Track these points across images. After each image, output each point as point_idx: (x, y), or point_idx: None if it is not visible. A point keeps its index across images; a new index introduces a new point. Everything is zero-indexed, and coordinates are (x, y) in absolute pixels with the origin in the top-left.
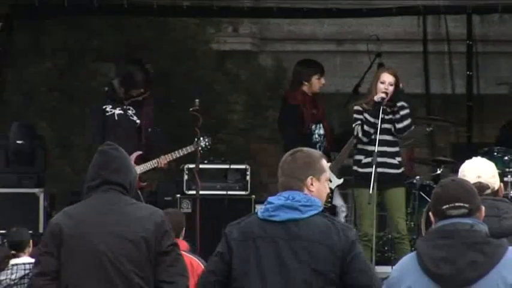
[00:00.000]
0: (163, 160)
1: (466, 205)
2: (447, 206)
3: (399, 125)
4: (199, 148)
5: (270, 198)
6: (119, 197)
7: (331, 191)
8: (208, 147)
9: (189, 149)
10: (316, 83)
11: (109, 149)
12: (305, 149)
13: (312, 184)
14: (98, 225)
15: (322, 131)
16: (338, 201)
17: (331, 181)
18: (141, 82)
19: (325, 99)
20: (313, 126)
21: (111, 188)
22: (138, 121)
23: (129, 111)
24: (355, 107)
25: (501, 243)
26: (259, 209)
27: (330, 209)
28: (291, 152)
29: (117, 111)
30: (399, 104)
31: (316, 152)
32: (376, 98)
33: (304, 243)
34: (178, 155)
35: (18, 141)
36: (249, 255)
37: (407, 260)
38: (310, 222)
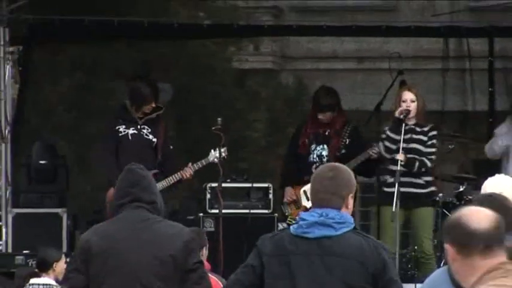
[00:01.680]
0: (187, 172)
1: None
2: None
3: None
4: (220, 157)
5: (303, 215)
6: (148, 214)
7: None
8: (225, 157)
9: (210, 159)
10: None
11: (136, 168)
12: (340, 165)
13: (349, 201)
14: (129, 242)
15: (324, 153)
16: None
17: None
18: (149, 96)
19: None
20: (313, 146)
21: (140, 206)
22: (154, 139)
23: (144, 130)
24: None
25: None
26: (292, 225)
27: None
28: (329, 167)
29: (131, 131)
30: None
31: (349, 168)
32: (397, 113)
33: (337, 259)
34: (201, 165)
35: (41, 161)
36: (282, 271)
37: (439, 273)
38: (343, 238)
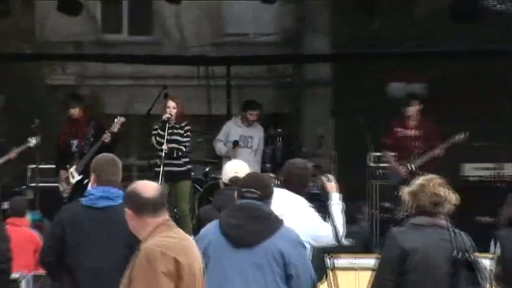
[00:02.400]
0: (12, 155)
1: (258, 191)
2: (245, 189)
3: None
4: (35, 143)
5: (91, 190)
6: None
7: None
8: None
9: (30, 144)
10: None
11: None
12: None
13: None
14: None
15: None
16: None
17: None
18: None
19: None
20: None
21: None
22: None
23: None
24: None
25: (278, 219)
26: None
27: None
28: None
29: None
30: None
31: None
32: (164, 117)
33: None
34: (20, 150)
35: None
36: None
37: (212, 224)
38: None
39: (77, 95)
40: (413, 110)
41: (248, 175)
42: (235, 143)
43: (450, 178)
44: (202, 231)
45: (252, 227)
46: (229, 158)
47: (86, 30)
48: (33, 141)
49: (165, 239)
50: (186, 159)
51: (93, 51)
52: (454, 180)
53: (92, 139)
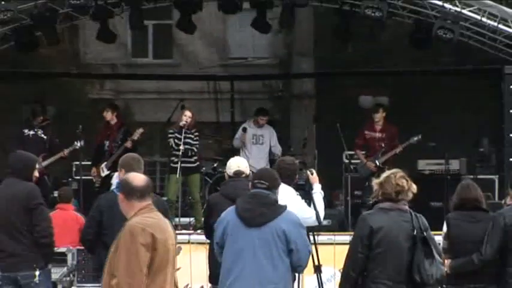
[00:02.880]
0: (64, 154)
1: (266, 183)
2: (257, 181)
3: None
4: (78, 147)
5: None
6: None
7: None
8: (82, 146)
9: (76, 146)
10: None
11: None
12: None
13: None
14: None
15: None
16: None
17: None
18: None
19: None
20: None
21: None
22: (45, 137)
23: (39, 132)
24: (170, 130)
25: (283, 205)
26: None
27: None
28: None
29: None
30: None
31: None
32: (181, 123)
33: None
34: (69, 150)
35: None
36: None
37: (230, 209)
38: None
39: (112, 103)
40: (379, 116)
41: (260, 170)
42: (244, 130)
43: (408, 171)
44: (223, 214)
45: (261, 210)
46: (243, 143)
47: (119, 55)
48: (78, 144)
49: (146, 219)
50: (196, 157)
51: (125, 72)
52: (411, 173)
53: (119, 142)
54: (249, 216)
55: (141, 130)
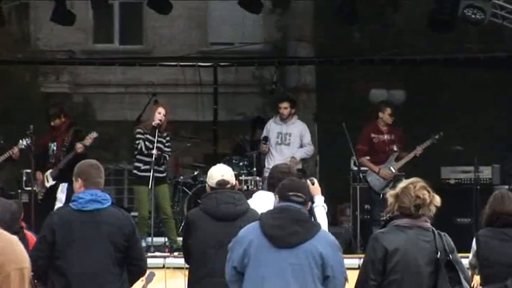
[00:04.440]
0: (15, 151)
1: (304, 196)
2: (292, 193)
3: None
4: (23, 147)
5: (79, 195)
6: None
7: None
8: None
9: (16, 148)
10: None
11: None
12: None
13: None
14: None
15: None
16: None
17: None
18: None
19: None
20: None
21: None
22: None
23: None
24: (137, 130)
25: (317, 223)
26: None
27: None
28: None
29: None
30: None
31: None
32: (154, 123)
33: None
34: (14, 151)
35: None
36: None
37: (252, 226)
38: (107, 211)
39: (57, 104)
40: (387, 116)
41: (291, 180)
42: (265, 139)
43: (430, 181)
44: (242, 232)
45: (293, 228)
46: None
47: (78, 40)
48: (24, 142)
49: None
50: (165, 166)
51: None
52: (434, 183)
53: (67, 145)
54: (279, 235)
55: (94, 134)
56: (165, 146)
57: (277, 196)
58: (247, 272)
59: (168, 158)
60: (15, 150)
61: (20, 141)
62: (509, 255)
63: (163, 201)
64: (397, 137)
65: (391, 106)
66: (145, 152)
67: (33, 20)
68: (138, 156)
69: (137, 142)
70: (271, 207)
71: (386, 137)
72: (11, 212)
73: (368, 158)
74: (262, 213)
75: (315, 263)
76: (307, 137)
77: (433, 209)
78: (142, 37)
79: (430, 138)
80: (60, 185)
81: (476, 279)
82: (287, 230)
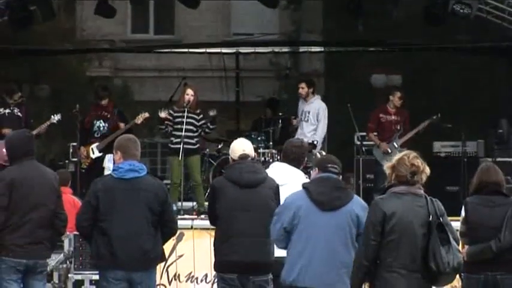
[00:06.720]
0: (40, 130)
1: (339, 167)
2: (330, 165)
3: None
4: (55, 121)
5: (119, 165)
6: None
7: None
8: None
9: (48, 122)
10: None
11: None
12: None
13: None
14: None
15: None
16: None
17: None
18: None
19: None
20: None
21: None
22: (21, 115)
23: (15, 110)
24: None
25: (350, 190)
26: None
27: None
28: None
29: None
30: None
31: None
32: (184, 102)
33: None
34: (45, 126)
35: None
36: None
37: (297, 193)
38: (144, 179)
39: (105, 86)
40: (396, 99)
41: (327, 155)
42: (296, 115)
43: (423, 154)
44: (288, 199)
45: (335, 194)
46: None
47: (118, 30)
48: (56, 118)
49: None
50: (197, 139)
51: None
52: (426, 156)
53: (113, 124)
54: (325, 200)
55: (146, 115)
56: (198, 121)
57: (316, 168)
58: (297, 231)
59: (208, 130)
60: (43, 127)
61: (52, 116)
62: (495, 219)
63: (194, 170)
64: (404, 118)
65: (401, 90)
66: (173, 132)
67: (79, 14)
68: (172, 132)
69: (164, 127)
70: (285, 175)
71: (393, 117)
72: (32, 141)
73: (375, 134)
74: (305, 183)
75: (352, 223)
76: (321, 115)
77: (424, 178)
78: (174, 28)
79: (429, 119)
80: (107, 155)
81: (465, 248)
82: (331, 195)
